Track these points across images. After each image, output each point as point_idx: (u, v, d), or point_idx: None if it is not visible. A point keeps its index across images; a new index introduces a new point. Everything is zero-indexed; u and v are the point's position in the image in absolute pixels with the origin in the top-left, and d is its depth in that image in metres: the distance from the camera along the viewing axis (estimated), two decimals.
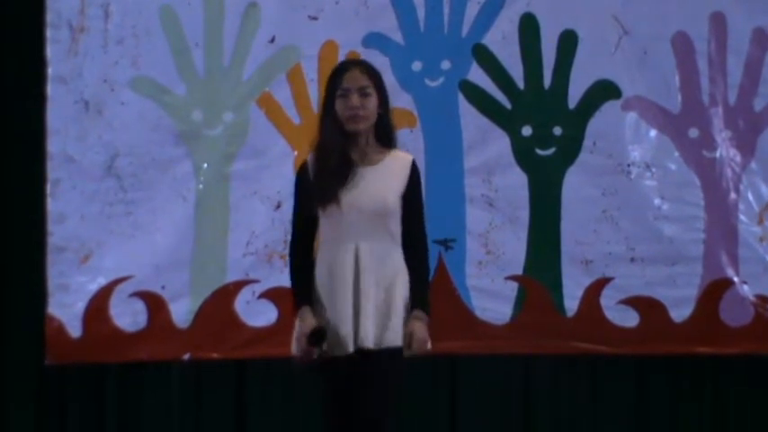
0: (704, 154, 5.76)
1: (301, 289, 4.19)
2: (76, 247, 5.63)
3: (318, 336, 4.06)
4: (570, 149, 5.75)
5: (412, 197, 4.17)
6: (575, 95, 5.75)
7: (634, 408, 5.88)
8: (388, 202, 4.11)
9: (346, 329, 4.05)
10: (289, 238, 5.54)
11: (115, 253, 5.65)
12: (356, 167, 4.14)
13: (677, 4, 5.76)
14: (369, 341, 4.04)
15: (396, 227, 4.14)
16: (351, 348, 4.04)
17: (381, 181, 4.13)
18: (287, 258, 5.52)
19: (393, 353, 4.07)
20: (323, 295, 4.13)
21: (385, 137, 4.20)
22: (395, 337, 4.06)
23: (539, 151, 5.77)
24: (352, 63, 4.33)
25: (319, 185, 4.12)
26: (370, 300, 4.07)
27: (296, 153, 5.68)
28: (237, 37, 5.69)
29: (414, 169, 4.20)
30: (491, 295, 5.74)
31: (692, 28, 5.74)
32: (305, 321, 4.10)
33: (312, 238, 4.22)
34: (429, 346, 4.14)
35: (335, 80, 4.17)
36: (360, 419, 4.05)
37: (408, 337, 4.05)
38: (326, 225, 4.14)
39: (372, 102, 4.14)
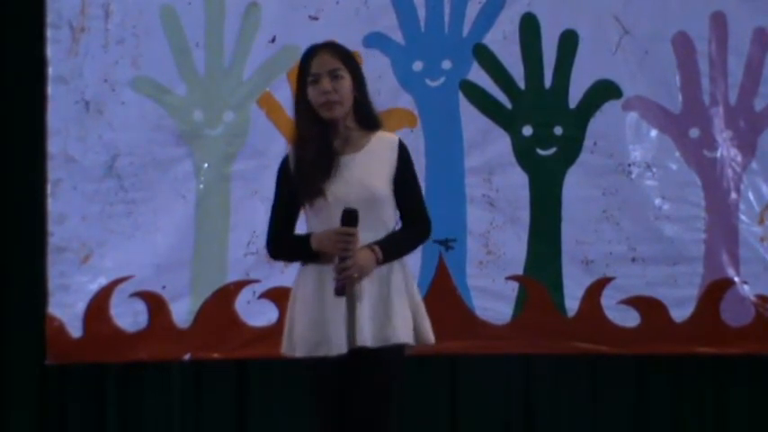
0: (705, 154, 5.76)
1: (298, 245, 3.99)
2: (77, 247, 5.63)
3: (351, 215, 3.86)
4: (571, 149, 5.75)
5: (405, 179, 4.03)
6: (575, 95, 5.74)
7: (634, 408, 5.88)
8: (376, 190, 3.96)
9: (337, 330, 3.90)
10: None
11: (116, 253, 5.65)
12: (339, 156, 3.98)
13: (678, 4, 5.75)
14: (367, 340, 3.91)
15: (388, 214, 4.01)
16: (344, 349, 3.90)
17: (367, 168, 3.98)
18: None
19: (392, 350, 3.95)
20: (311, 293, 3.98)
21: (365, 120, 4.04)
22: (394, 334, 3.94)
23: (539, 151, 5.77)
24: (320, 46, 4.05)
25: (302, 180, 3.96)
26: (365, 297, 3.93)
27: None
28: (238, 37, 5.69)
29: (402, 149, 4.04)
30: (492, 295, 5.74)
31: (693, 28, 5.73)
32: (327, 229, 3.91)
33: (291, 234, 4.07)
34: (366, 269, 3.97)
35: (304, 67, 3.99)
36: (358, 420, 3.94)
37: (352, 261, 3.87)
38: (314, 220, 4.00)
39: (346, 84, 3.97)
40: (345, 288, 3.91)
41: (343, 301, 3.93)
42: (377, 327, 3.94)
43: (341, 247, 3.88)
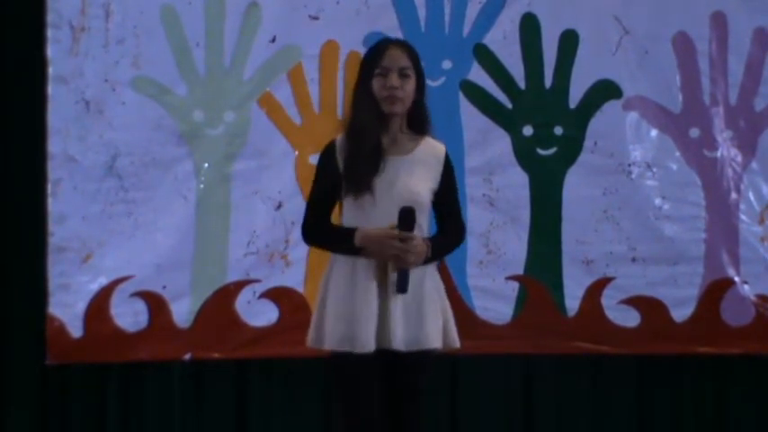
0: (705, 154, 5.77)
1: (339, 237, 3.96)
2: (77, 246, 5.62)
3: (408, 214, 3.87)
4: (571, 149, 5.75)
5: (447, 190, 4.06)
6: (576, 95, 5.75)
7: (635, 408, 5.88)
8: (419, 197, 3.97)
9: (367, 327, 3.89)
10: (291, 237, 5.61)
11: (116, 253, 5.63)
12: (386, 155, 3.98)
13: (678, 4, 5.76)
14: (400, 344, 3.92)
15: (425, 221, 4.01)
16: (372, 347, 3.89)
17: (412, 173, 3.99)
18: (288, 258, 5.61)
19: (424, 354, 3.97)
20: (343, 287, 3.96)
21: (418, 124, 4.06)
22: (426, 339, 3.96)
23: (540, 151, 5.77)
24: (394, 42, 4.11)
25: (352, 172, 3.95)
26: (398, 299, 3.93)
27: (297, 153, 5.68)
28: (238, 37, 5.68)
29: (447, 162, 4.08)
30: (492, 295, 5.74)
31: (693, 28, 5.74)
32: (375, 229, 3.91)
33: (329, 223, 4.05)
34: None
35: (375, 58, 4.00)
36: (389, 421, 3.95)
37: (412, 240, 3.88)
38: (354, 214, 3.98)
39: (411, 84, 3.99)
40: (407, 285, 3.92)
41: (375, 298, 3.93)
42: (410, 331, 3.95)
43: (396, 252, 3.88)
